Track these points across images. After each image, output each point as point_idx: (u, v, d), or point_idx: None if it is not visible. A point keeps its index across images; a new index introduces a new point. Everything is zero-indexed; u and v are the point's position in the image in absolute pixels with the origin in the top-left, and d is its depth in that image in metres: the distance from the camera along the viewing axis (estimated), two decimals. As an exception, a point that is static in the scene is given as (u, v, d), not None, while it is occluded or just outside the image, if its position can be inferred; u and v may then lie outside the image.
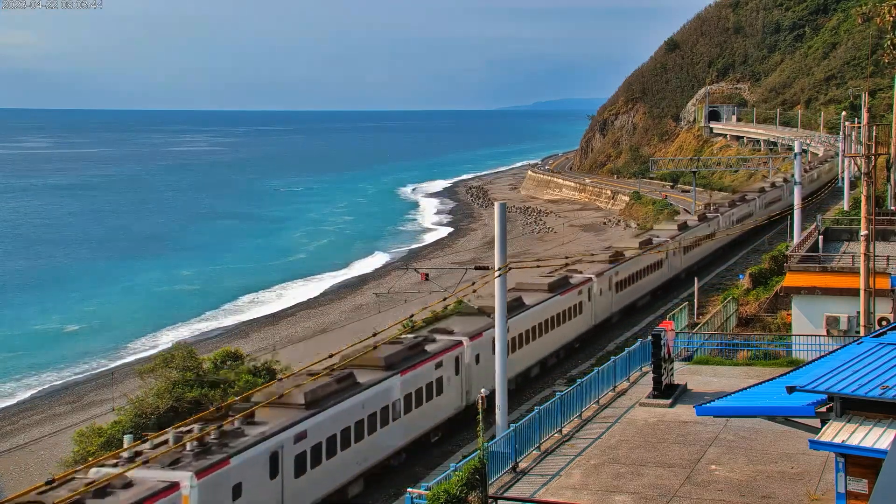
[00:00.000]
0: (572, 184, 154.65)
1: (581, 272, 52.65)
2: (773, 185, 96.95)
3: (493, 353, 36.94)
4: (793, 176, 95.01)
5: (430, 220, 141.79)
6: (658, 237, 65.53)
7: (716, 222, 75.68)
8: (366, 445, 31.70)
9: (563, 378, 46.49)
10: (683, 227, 70.48)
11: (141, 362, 53.25)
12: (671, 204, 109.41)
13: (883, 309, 36.82)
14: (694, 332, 39.68)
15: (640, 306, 60.98)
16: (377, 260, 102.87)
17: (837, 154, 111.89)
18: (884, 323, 32.87)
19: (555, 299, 47.37)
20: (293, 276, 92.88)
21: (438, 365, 35.63)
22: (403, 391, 33.70)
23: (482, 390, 25.07)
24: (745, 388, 20.91)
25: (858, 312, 34.82)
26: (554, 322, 47.17)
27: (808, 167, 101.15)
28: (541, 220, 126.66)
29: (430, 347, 36.49)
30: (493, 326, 38.02)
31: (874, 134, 37.89)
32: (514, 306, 41.34)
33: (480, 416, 23.56)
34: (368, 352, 32.71)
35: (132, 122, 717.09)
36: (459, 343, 37.98)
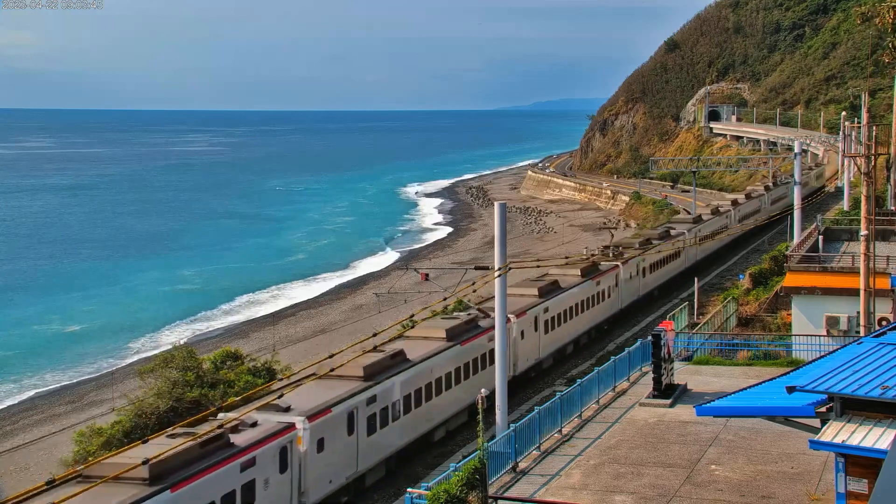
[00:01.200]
0: (572, 184, 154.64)
1: (335, 379, 31.71)
2: (716, 210, 76.94)
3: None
4: (750, 194, 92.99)
5: (431, 220, 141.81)
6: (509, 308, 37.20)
7: (612, 277, 53.80)
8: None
9: (563, 378, 46.47)
10: (550, 290, 46.62)
11: (141, 362, 53.25)
12: (671, 204, 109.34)
13: (883, 309, 36.84)
14: (694, 332, 39.69)
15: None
16: (385, 259, 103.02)
17: (817, 166, 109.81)
18: (884, 323, 32.87)
19: None
20: (293, 277, 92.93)
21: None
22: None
23: (482, 390, 25.10)
24: (745, 388, 20.91)
25: (858, 312, 34.84)
26: None
27: (772, 182, 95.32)
28: (541, 220, 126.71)
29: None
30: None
31: (874, 134, 37.95)
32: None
33: (480, 416, 23.57)
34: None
35: (132, 122, 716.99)
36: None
